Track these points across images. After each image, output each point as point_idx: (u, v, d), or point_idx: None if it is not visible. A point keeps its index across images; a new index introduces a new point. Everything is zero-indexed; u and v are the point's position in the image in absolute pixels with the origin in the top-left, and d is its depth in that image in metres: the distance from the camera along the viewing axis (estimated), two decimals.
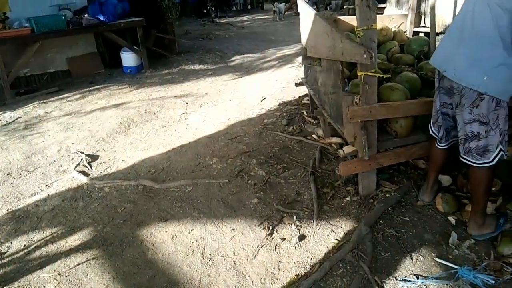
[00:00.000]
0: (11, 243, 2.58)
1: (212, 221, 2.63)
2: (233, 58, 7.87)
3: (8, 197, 3.15)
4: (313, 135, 3.68)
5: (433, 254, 2.16)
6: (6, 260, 2.42)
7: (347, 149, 2.68)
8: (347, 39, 2.33)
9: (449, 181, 2.73)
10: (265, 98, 4.99)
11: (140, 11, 6.98)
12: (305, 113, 4.23)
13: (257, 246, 2.37)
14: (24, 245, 2.55)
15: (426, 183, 2.55)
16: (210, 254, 2.34)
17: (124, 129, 4.39)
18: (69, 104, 5.37)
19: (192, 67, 7.13)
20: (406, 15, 3.87)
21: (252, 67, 7.09)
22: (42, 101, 5.46)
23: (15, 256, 2.45)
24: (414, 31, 3.74)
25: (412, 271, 2.08)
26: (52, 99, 5.59)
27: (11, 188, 3.28)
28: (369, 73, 2.26)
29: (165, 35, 7.83)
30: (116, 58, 6.96)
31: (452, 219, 2.42)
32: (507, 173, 2.57)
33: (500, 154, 1.99)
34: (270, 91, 5.30)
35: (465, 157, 2.09)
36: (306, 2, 3.67)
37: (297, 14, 4.17)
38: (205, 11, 15.12)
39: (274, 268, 2.19)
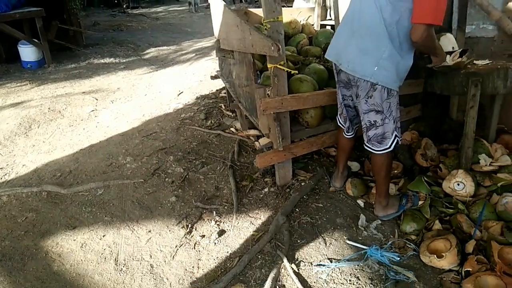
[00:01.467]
0: None
1: (126, 224, 2.49)
2: (147, 51, 7.55)
3: None
4: (231, 129, 3.67)
5: (344, 237, 2.28)
6: None
7: (263, 141, 2.70)
8: (256, 31, 2.32)
9: (357, 167, 2.90)
10: (182, 92, 4.86)
11: (39, 0, 6.34)
12: (223, 106, 4.20)
13: (175, 246, 2.29)
14: None
15: (337, 170, 2.68)
16: (124, 260, 2.21)
17: (25, 130, 3.97)
18: None
19: (102, 61, 6.69)
20: (313, 9, 4.00)
21: (168, 60, 6.86)
22: None
23: None
24: (321, 24, 3.89)
25: (326, 255, 2.17)
26: None
27: None
28: (278, 66, 2.29)
29: (69, 26, 7.22)
30: (13, 52, 6.27)
31: (361, 202, 2.57)
32: (407, 157, 2.81)
33: (395, 140, 2.14)
34: (187, 85, 5.17)
35: (368, 145, 2.22)
36: None
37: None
38: (116, 1, 14.30)
39: (193, 267, 2.14)
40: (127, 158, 3.25)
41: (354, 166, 2.90)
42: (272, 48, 2.13)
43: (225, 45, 3.30)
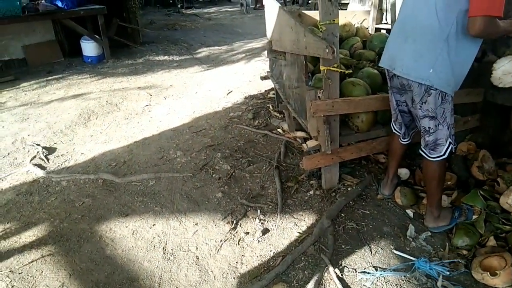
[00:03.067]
0: None
1: (174, 216, 2.59)
2: (199, 50, 7.75)
3: None
4: (278, 129, 3.69)
5: (391, 246, 2.23)
6: None
7: (311, 143, 2.70)
8: (310, 33, 2.33)
9: (407, 175, 2.82)
10: (231, 91, 4.95)
11: None
12: (270, 107, 4.24)
13: (220, 241, 2.35)
14: None
15: (386, 177, 2.62)
16: (171, 249, 2.30)
17: (84, 121, 4.23)
18: (25, 94, 5.10)
19: (157, 58, 6.96)
20: (368, 12, 3.93)
21: (219, 59, 7.01)
22: None
23: None
24: (376, 28, 3.82)
25: (371, 263, 2.13)
26: (7, 88, 5.29)
27: None
28: (331, 68, 2.28)
29: (128, 24, 7.58)
30: (76, 47, 6.68)
31: (410, 212, 2.50)
32: (462, 168, 2.69)
33: (450, 147, 2.07)
34: (236, 84, 5.26)
35: (424, 150, 2.16)
36: None
37: (263, 7, 4.15)
38: (171, 1, 14.79)
39: (237, 262, 2.19)
40: (178, 153, 3.37)
41: (404, 173, 2.82)
42: (327, 50, 2.13)
43: (278, 46, 3.33)
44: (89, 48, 6.57)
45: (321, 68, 2.32)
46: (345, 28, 3.49)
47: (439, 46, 1.86)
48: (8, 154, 3.53)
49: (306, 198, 2.71)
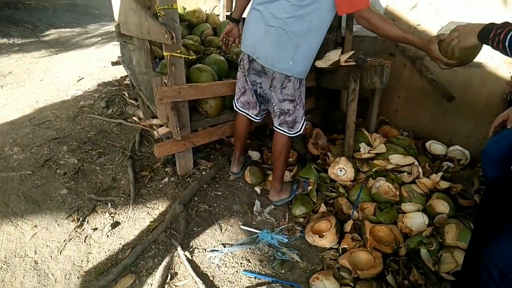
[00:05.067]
0: None
1: (9, 220, 2.30)
2: (47, 32, 6.93)
3: None
4: (133, 117, 3.56)
5: (239, 223, 2.37)
6: None
7: (162, 131, 2.67)
8: (151, 18, 2.27)
9: (258, 156, 3.02)
10: (82, 78, 4.57)
11: None
12: (126, 94, 4.05)
13: (64, 241, 2.18)
14: None
15: (234, 156, 2.76)
16: (5, 257, 2.05)
17: None
18: None
19: None
20: None
21: (70, 43, 6.39)
22: None
23: None
24: (227, 15, 3.93)
25: (220, 241, 2.24)
26: None
27: None
28: (174, 54, 2.27)
29: None
30: None
31: (257, 189, 2.69)
32: (301, 146, 2.99)
33: (304, 123, 2.31)
34: (89, 70, 4.88)
35: (279, 127, 2.32)
36: None
37: None
38: None
39: (82, 261, 2.06)
40: (14, 149, 2.98)
41: (255, 155, 3.02)
42: (166, 35, 2.11)
43: (125, 30, 3.17)
44: None
45: (164, 54, 2.30)
46: (195, 14, 3.50)
47: (298, 40, 2.01)
48: None
49: (160, 186, 2.69)
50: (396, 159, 2.57)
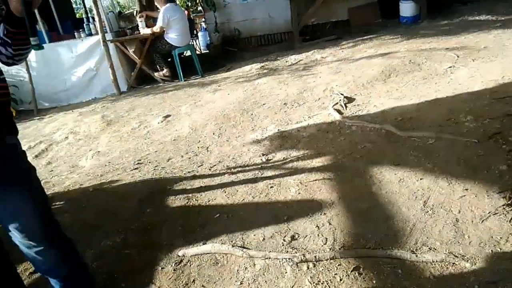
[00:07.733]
0: (276, 153, 3.34)
1: (445, 176, 2.55)
2: None
3: (281, 121, 3.99)
4: None
5: None
6: (270, 164, 3.19)
7: None
8: None
9: None
10: None
11: None
12: None
13: (489, 212, 2.17)
14: (284, 157, 3.25)
15: None
16: (432, 205, 2.33)
17: (384, 78, 4.54)
18: (342, 51, 5.91)
19: (477, 18, 6.31)
20: None
21: None
22: (321, 48, 6.23)
23: (276, 163, 3.19)
24: None
25: None
26: (329, 46, 6.29)
27: (284, 115, 4.12)
28: None
29: None
30: (394, 9, 6.96)
31: None
32: None
33: None
34: None
35: None
36: None
37: None
38: None
39: (501, 238, 1.99)
40: (468, 117, 3.16)
41: None
42: None
43: None
44: (406, 9, 6.72)
45: None
46: None
47: None
48: (319, 99, 4.34)
49: None
50: None
